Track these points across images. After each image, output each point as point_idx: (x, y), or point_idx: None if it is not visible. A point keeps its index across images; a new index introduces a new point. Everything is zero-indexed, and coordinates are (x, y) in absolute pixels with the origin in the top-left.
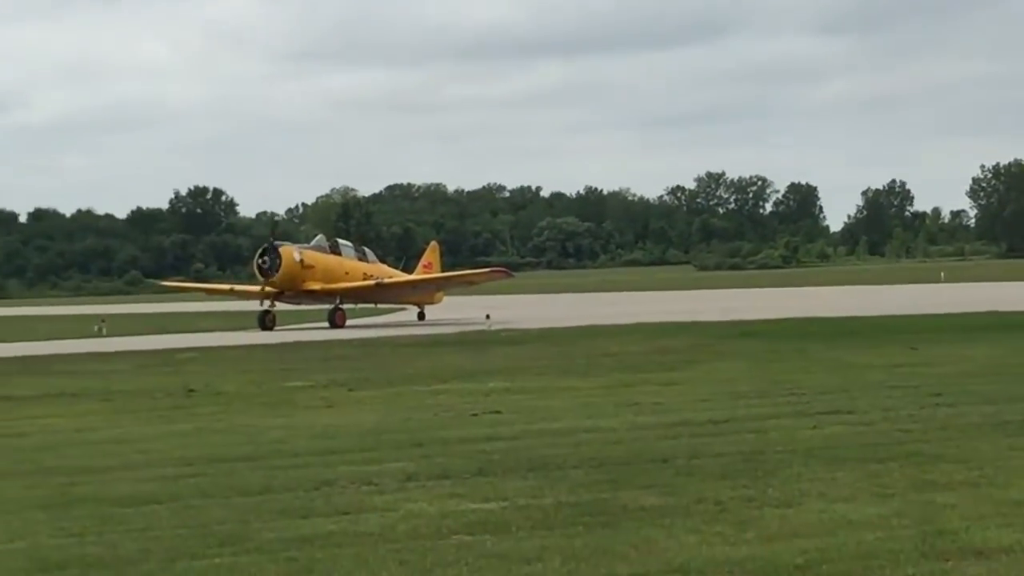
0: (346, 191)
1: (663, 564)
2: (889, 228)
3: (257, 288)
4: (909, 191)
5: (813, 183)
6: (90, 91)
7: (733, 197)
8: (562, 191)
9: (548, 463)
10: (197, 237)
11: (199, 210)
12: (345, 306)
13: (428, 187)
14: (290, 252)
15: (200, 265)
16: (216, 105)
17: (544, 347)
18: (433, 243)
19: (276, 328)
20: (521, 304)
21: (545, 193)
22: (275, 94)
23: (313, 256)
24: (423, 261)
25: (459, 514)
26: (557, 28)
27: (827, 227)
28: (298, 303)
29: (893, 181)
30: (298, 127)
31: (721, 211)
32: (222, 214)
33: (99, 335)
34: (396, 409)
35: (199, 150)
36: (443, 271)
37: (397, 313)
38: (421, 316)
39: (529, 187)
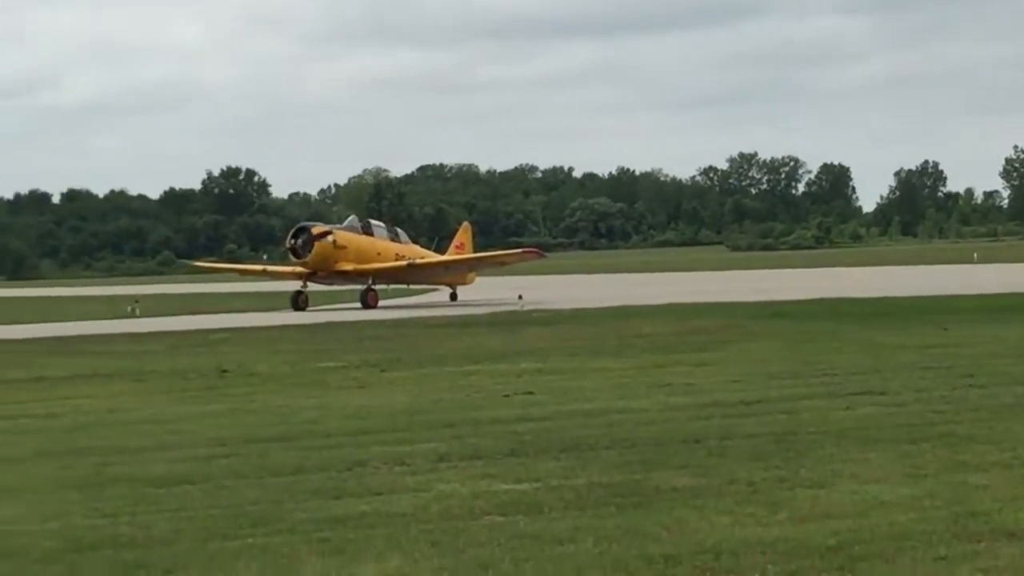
0: (378, 172)
1: (695, 545)
2: (922, 209)
3: (289, 269)
4: (942, 171)
5: (845, 164)
6: (123, 72)
7: (766, 178)
8: (594, 172)
9: (580, 444)
10: (230, 218)
11: (232, 191)
12: (377, 287)
13: (460, 167)
14: (323, 233)
15: (233, 246)
16: (249, 86)
17: (576, 328)
18: (465, 224)
19: (309, 309)
20: (553, 285)
21: (577, 174)
22: (308, 75)
23: (346, 237)
24: (455, 242)
25: (491, 495)
26: (590, 8)
27: (860, 208)
28: (330, 284)
29: (926, 162)
30: (331, 108)
31: (754, 191)
32: (255, 195)
33: (132, 316)
34: (428, 390)
35: (232, 131)
36: (475, 252)
37: (429, 294)
38: (453, 297)
39: (561, 168)
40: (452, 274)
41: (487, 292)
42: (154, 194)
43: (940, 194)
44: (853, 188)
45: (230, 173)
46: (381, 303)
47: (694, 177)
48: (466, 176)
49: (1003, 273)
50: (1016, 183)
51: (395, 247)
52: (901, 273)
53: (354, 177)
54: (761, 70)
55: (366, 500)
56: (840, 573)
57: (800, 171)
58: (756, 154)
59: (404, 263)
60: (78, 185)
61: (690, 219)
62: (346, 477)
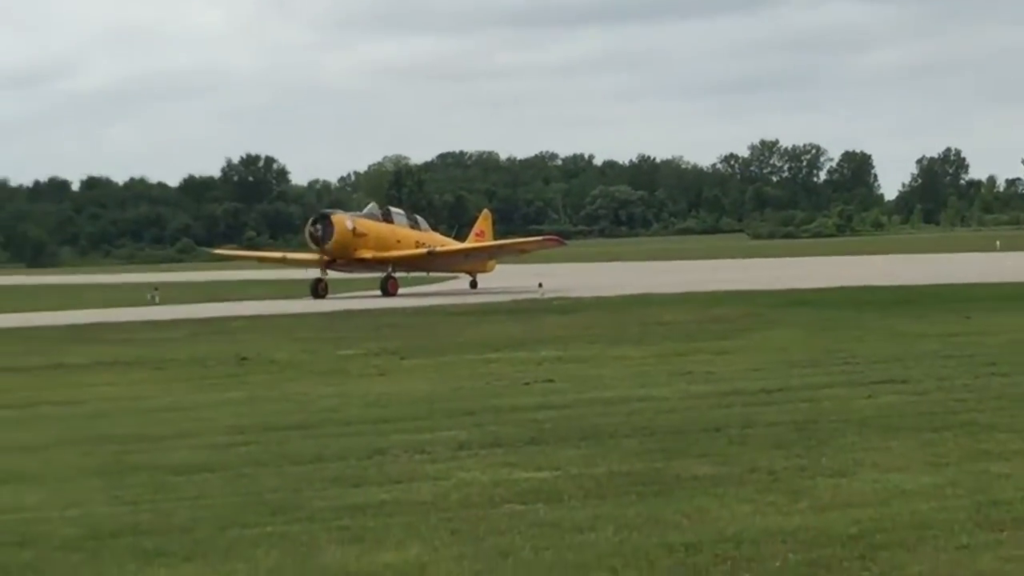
0: (398, 159)
1: (716, 533)
2: (944, 197)
3: (309, 256)
4: (964, 159)
5: (867, 151)
6: (142, 59)
7: (787, 165)
8: (615, 159)
9: (600, 432)
10: (249, 205)
11: (251, 178)
12: (397, 274)
13: (480, 155)
14: (343, 220)
15: (252, 233)
16: (268, 73)
17: (596, 316)
18: (485, 211)
19: (328, 296)
20: (573, 272)
21: (598, 161)
22: (327, 62)
23: (365, 224)
24: (475, 229)
25: (511, 483)
26: None
27: (881, 196)
28: (350, 271)
29: (948, 149)
30: (350, 95)
31: (775, 179)
32: (274, 182)
33: (152, 303)
34: (448, 378)
35: (251, 118)
36: (495, 239)
37: (449, 281)
38: (473, 284)
39: (582, 155)
40: (472, 262)
41: (507, 280)
42: (173, 181)
43: (962, 182)
44: (875, 176)
45: (249, 160)
46: (401, 291)
47: (715, 165)
48: (486, 163)
49: None
50: None
51: (415, 235)
52: (923, 261)
53: (374, 164)
54: (783, 57)
55: (386, 488)
56: (861, 562)
57: (821, 159)
58: (777, 141)
59: (424, 251)
60: (97, 172)
61: (711, 207)
62: (366, 465)
